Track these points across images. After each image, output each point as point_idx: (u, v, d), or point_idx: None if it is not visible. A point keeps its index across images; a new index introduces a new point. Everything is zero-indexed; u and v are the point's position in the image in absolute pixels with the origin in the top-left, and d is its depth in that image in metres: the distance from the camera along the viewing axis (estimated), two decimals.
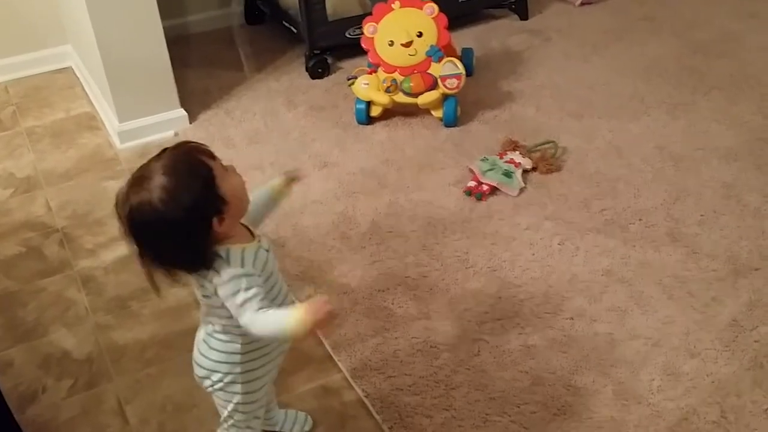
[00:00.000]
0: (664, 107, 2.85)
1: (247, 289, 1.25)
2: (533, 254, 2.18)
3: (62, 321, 2.07)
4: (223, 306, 1.30)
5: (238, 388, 1.42)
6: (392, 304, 2.04)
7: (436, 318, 1.98)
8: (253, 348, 1.39)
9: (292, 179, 1.53)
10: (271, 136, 2.81)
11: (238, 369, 1.40)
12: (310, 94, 3.07)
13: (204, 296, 1.33)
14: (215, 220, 1.24)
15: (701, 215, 2.29)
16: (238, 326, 1.30)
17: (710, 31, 3.40)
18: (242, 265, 1.27)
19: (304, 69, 3.20)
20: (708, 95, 2.91)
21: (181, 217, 1.21)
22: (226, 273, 1.26)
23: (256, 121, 2.91)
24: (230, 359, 1.39)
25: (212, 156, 1.28)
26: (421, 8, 2.76)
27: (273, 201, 1.51)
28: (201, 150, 1.28)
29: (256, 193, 1.45)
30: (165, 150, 1.28)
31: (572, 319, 1.96)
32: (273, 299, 1.35)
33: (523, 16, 3.59)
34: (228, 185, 1.26)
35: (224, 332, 1.38)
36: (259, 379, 1.44)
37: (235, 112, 2.97)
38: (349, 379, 1.84)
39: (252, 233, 1.36)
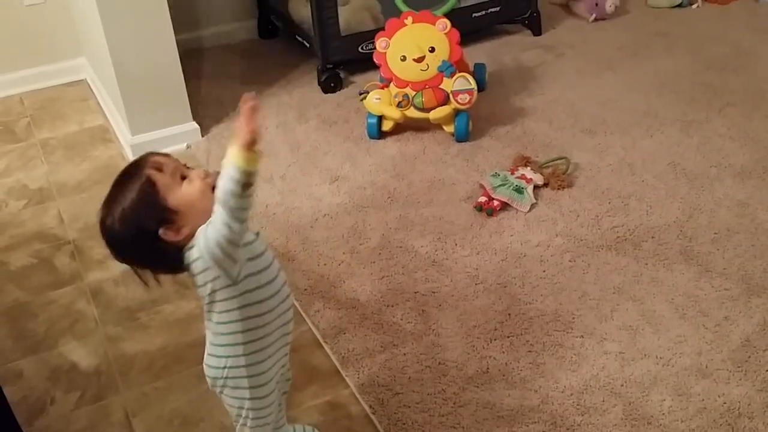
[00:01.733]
0: (678, 124, 2.83)
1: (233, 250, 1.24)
2: (544, 271, 2.16)
3: (72, 333, 2.07)
4: (212, 293, 1.31)
5: (245, 383, 1.40)
6: (401, 319, 2.03)
7: (445, 334, 1.97)
8: (254, 333, 1.37)
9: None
10: (282, 149, 2.81)
11: (242, 361, 1.38)
12: (322, 108, 3.07)
13: (198, 288, 1.34)
14: (163, 231, 1.27)
15: (714, 233, 2.27)
16: (233, 309, 1.32)
17: (724, 47, 3.39)
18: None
19: (316, 83, 3.22)
20: (722, 112, 2.89)
21: (132, 235, 1.28)
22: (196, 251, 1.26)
23: (267, 134, 2.91)
24: (233, 351, 1.37)
25: (159, 168, 1.29)
26: (434, 24, 2.76)
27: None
28: (148, 163, 1.30)
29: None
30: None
31: (582, 337, 1.94)
32: (268, 282, 1.34)
33: (537, 31, 3.59)
34: (178, 195, 1.29)
35: (222, 322, 1.36)
36: (264, 373, 1.41)
37: None
38: (357, 394, 1.83)
39: None
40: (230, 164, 1.19)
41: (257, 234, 1.37)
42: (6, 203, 2.63)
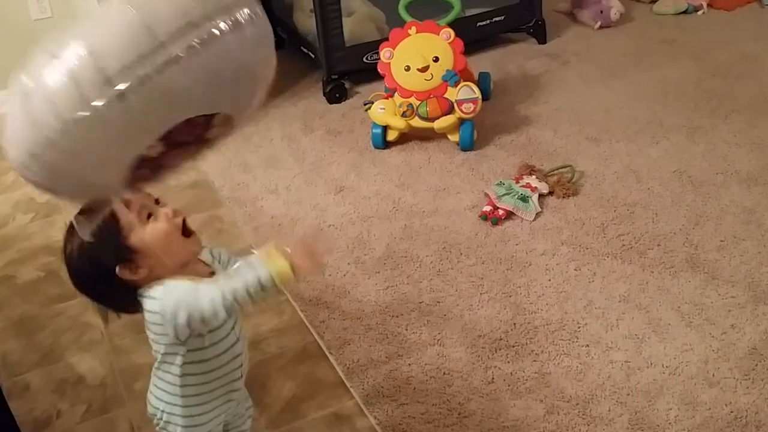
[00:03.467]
0: (684, 131, 2.83)
1: (187, 293, 1.18)
2: (549, 280, 2.16)
3: (78, 345, 2.08)
4: (156, 343, 1.29)
5: (179, 429, 1.37)
6: (406, 329, 2.03)
7: (450, 344, 1.97)
8: (194, 388, 1.34)
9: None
10: (287, 160, 2.82)
11: (178, 410, 1.35)
12: (327, 119, 3.08)
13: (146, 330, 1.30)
14: (119, 269, 1.24)
15: (721, 241, 2.26)
16: (174, 364, 1.29)
17: (729, 54, 3.38)
18: (168, 284, 1.22)
19: (321, 94, 3.23)
20: (728, 119, 2.88)
21: (87, 268, 1.26)
22: (156, 297, 1.21)
23: (273, 145, 2.92)
24: (171, 399, 1.35)
25: (126, 202, 1.23)
26: (438, 33, 2.77)
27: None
28: (111, 207, 1.22)
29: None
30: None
31: (588, 346, 1.93)
32: (214, 343, 1.30)
33: (541, 39, 3.59)
34: (140, 234, 1.24)
35: (163, 371, 1.34)
36: (201, 425, 1.37)
37: (253, 137, 2.99)
38: (362, 406, 1.83)
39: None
40: (267, 269, 1.12)
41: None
42: (13, 217, 2.65)
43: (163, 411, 1.37)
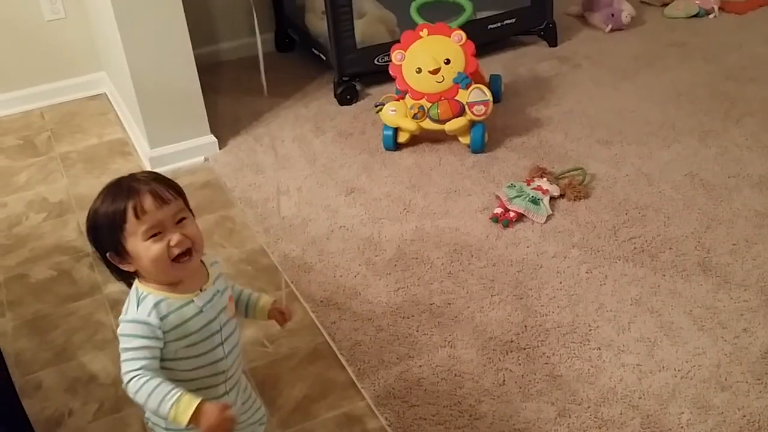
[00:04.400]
0: (695, 134, 2.82)
1: (130, 341, 1.24)
2: (560, 282, 2.15)
3: (91, 344, 2.09)
4: None
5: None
6: (416, 331, 2.03)
7: (461, 346, 1.97)
8: None
9: (276, 312, 1.48)
10: (298, 161, 2.83)
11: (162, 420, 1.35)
12: (338, 121, 3.09)
13: None
14: (110, 255, 1.28)
15: (733, 244, 2.25)
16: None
17: (741, 57, 3.37)
18: (138, 313, 1.25)
19: (332, 95, 3.23)
20: (740, 122, 2.88)
21: (89, 231, 1.31)
22: (125, 314, 1.28)
23: (284, 147, 2.93)
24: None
25: (138, 213, 1.23)
26: (449, 36, 2.77)
27: (249, 311, 1.48)
28: (138, 194, 1.25)
29: (242, 292, 1.47)
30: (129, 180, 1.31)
31: (599, 349, 1.93)
32: (195, 357, 1.31)
33: (552, 42, 3.59)
34: (136, 246, 1.25)
35: None
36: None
37: (264, 138, 3.00)
38: (373, 407, 1.83)
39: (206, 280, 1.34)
40: (171, 411, 1.19)
41: (201, 310, 1.30)
42: (26, 216, 2.66)
43: (147, 416, 1.40)
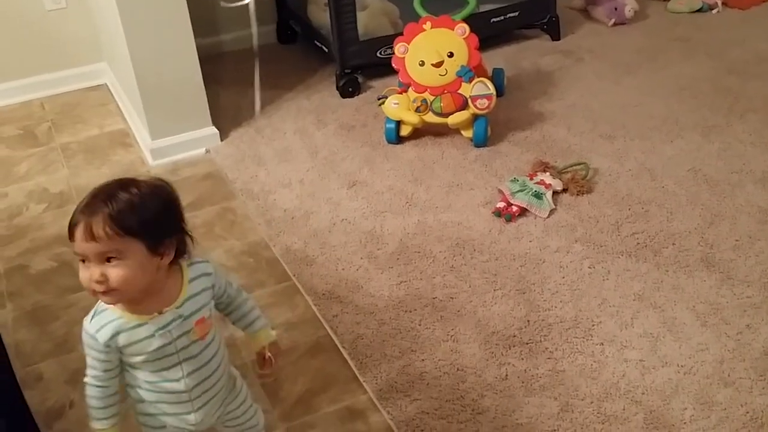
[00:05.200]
0: (699, 129, 2.81)
1: (86, 349, 1.28)
2: (563, 277, 2.15)
3: None
4: None
5: (141, 419, 1.40)
6: (419, 325, 2.02)
7: (463, 340, 1.96)
8: (138, 404, 1.39)
9: (263, 359, 1.47)
10: (300, 153, 2.82)
11: (138, 407, 1.39)
12: (340, 113, 3.08)
13: None
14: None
15: (736, 240, 2.25)
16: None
17: (745, 52, 3.36)
18: (90, 326, 1.27)
19: (334, 88, 3.22)
20: (743, 117, 2.87)
21: None
22: (86, 320, 1.29)
23: (286, 139, 2.92)
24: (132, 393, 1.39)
25: (70, 236, 1.20)
26: (453, 29, 2.76)
27: (242, 327, 1.47)
28: (70, 223, 1.21)
29: (245, 307, 1.44)
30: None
31: (602, 344, 1.93)
32: (155, 371, 1.31)
33: (555, 36, 3.58)
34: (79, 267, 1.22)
35: None
36: (156, 428, 1.39)
37: (266, 130, 2.99)
38: (375, 400, 1.82)
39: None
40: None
41: (153, 335, 1.26)
42: (27, 207, 2.65)
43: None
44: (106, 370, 1.29)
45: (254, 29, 1.41)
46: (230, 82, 3.37)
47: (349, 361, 1.93)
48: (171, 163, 2.81)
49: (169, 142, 2.84)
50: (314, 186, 2.62)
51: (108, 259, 1.18)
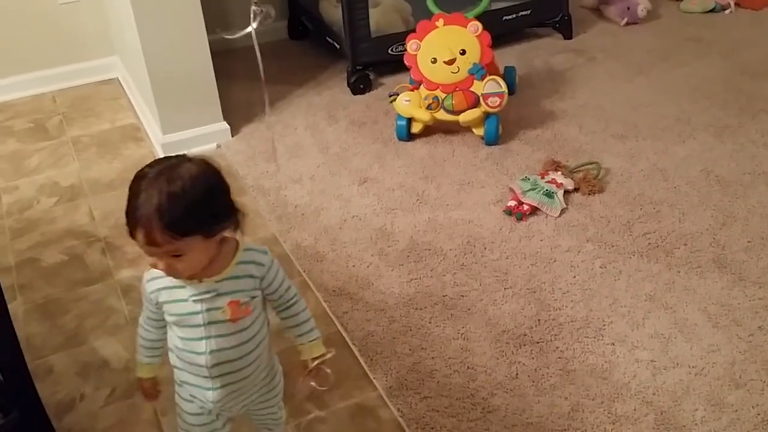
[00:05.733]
0: (711, 130, 2.80)
1: (144, 294, 1.37)
2: (574, 277, 2.14)
3: (102, 329, 2.09)
4: None
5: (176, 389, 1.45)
6: (429, 322, 2.02)
7: (474, 339, 1.96)
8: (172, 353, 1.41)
9: (308, 372, 1.48)
10: (311, 150, 2.82)
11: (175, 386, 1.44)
12: (351, 110, 3.07)
13: None
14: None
15: (748, 241, 2.24)
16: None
17: (758, 53, 3.34)
18: (146, 275, 1.34)
19: (345, 84, 3.22)
20: (756, 118, 2.85)
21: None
22: None
23: (297, 135, 2.92)
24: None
25: (132, 236, 1.23)
26: (465, 26, 2.75)
27: (294, 334, 1.48)
28: (128, 225, 1.24)
29: (299, 324, 1.46)
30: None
31: (613, 344, 1.92)
32: (182, 338, 1.34)
33: (567, 35, 3.57)
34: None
35: None
36: (183, 400, 1.43)
37: (277, 125, 2.99)
38: (385, 397, 1.82)
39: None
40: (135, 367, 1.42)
41: (193, 299, 1.30)
42: (38, 200, 2.66)
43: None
44: (149, 318, 1.40)
45: (255, 45, 1.43)
46: (242, 78, 3.37)
47: (360, 358, 1.93)
48: None
49: (180, 136, 2.84)
50: (325, 182, 2.62)
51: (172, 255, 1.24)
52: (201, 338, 1.32)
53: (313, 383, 1.48)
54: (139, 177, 1.24)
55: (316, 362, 1.45)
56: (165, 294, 1.32)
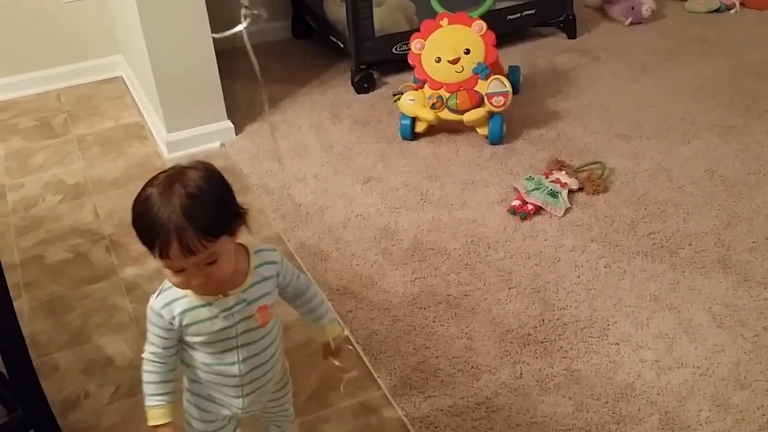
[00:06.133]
0: (716, 130, 2.79)
1: (149, 325, 1.30)
2: (578, 276, 2.14)
3: (107, 327, 2.09)
4: None
5: (185, 401, 1.43)
6: (433, 322, 2.02)
7: (478, 338, 1.96)
8: (189, 372, 1.39)
9: (329, 350, 1.50)
10: (315, 149, 2.82)
11: (186, 384, 1.41)
12: (355, 109, 3.07)
13: None
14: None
15: (753, 242, 2.23)
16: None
17: (763, 53, 3.34)
18: (156, 303, 1.28)
19: (349, 83, 3.22)
20: (761, 118, 2.85)
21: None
22: (152, 296, 1.30)
23: (301, 134, 2.92)
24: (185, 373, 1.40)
25: (162, 255, 1.17)
26: (469, 25, 2.75)
27: (309, 319, 1.48)
28: (154, 245, 1.18)
29: (311, 303, 1.45)
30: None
31: (618, 344, 1.92)
32: (212, 353, 1.32)
33: (572, 34, 3.56)
34: (161, 264, 1.22)
35: None
36: (199, 410, 1.41)
37: (281, 124, 2.99)
38: (389, 397, 1.82)
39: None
40: (147, 414, 1.32)
41: (216, 315, 1.28)
42: (43, 198, 2.66)
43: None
44: (165, 347, 1.30)
45: (248, 47, 1.42)
46: (246, 77, 3.36)
47: (363, 357, 1.93)
48: (186, 157, 2.81)
49: (184, 135, 2.84)
50: (329, 181, 2.62)
51: (207, 263, 1.20)
52: (232, 349, 1.32)
53: (336, 362, 1.49)
54: (146, 197, 1.18)
55: (337, 341, 1.47)
56: (189, 316, 1.27)
